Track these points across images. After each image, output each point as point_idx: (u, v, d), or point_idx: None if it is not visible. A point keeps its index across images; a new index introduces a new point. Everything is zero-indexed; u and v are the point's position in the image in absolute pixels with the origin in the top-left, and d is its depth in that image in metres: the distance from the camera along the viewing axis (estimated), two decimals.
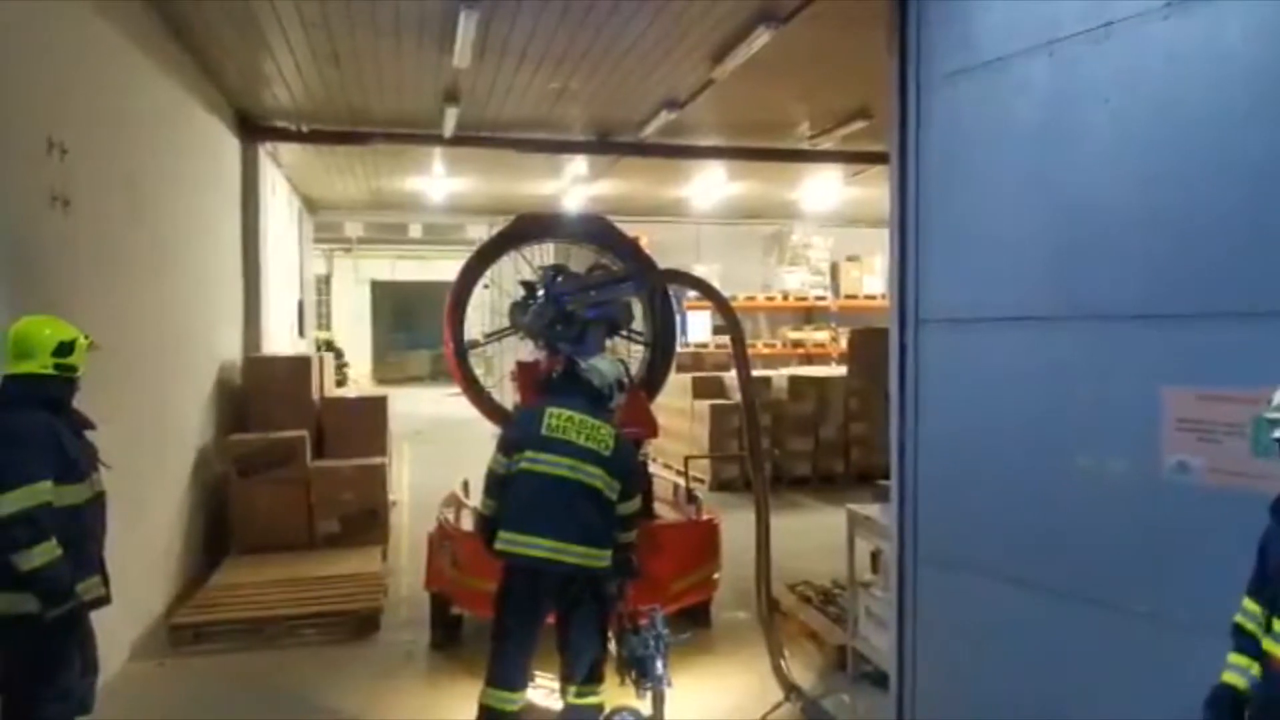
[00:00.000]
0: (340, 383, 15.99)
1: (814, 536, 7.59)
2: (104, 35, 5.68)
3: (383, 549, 7.95)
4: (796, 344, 17.16)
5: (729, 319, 6.03)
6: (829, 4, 6.21)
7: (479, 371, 7.58)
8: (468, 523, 5.89)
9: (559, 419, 4.28)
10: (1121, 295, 3.47)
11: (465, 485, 6.77)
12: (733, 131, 10.60)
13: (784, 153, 11.36)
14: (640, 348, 6.93)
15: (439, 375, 22.74)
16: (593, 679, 4.27)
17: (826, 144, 10.69)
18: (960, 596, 4.16)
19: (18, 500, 3.31)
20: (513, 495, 4.24)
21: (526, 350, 6.84)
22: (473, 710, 4.23)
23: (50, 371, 3.55)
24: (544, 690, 4.69)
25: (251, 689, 5.43)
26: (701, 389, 11.93)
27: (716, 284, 7.66)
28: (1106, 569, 3.51)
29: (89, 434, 3.73)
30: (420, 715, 5.09)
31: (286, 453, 7.92)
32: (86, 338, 3.70)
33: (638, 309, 6.73)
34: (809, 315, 17.75)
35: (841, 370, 12.85)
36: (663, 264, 7.04)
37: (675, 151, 11.24)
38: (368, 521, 8.05)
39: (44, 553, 3.33)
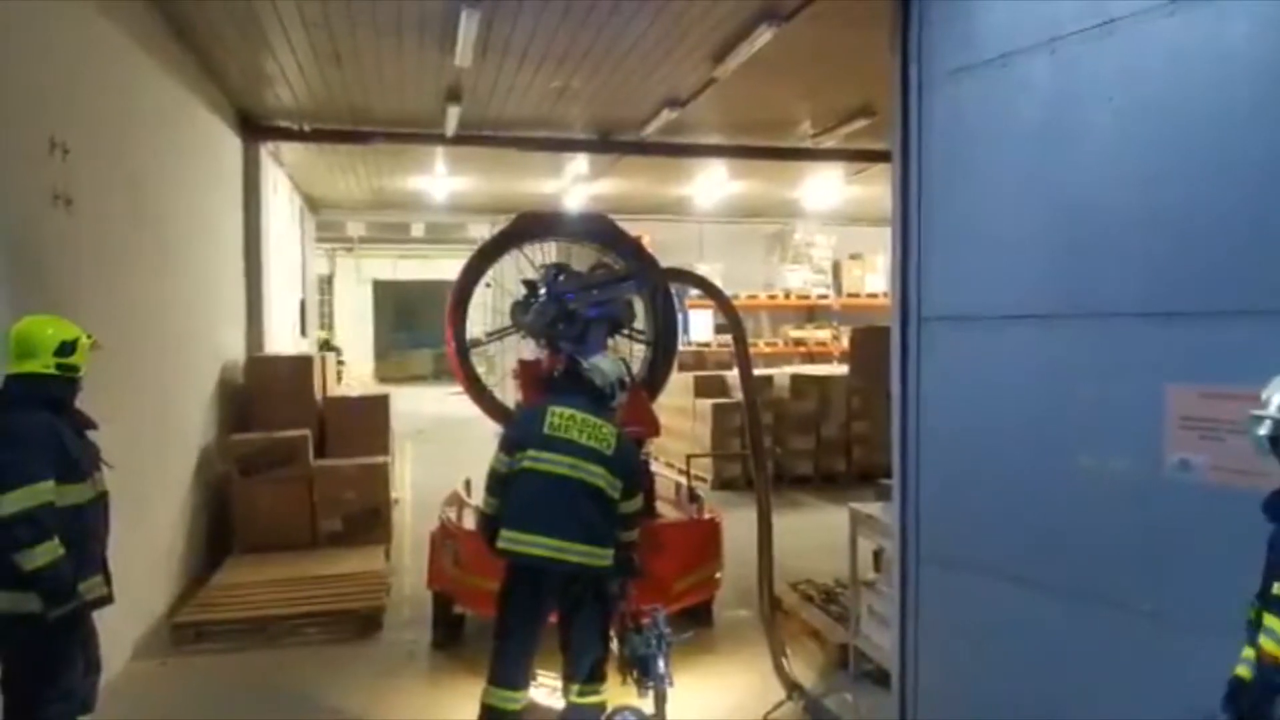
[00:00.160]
0: (337, 380, 15.93)
1: (816, 535, 7.58)
2: (106, 35, 5.69)
3: (385, 548, 7.95)
4: (798, 342, 17.16)
5: (731, 317, 6.03)
6: (831, 2, 6.20)
7: (481, 370, 7.57)
8: (470, 521, 5.87)
9: (561, 418, 4.28)
10: (1124, 293, 3.46)
11: (467, 484, 6.75)
12: (734, 130, 10.58)
13: (786, 151, 11.34)
14: (642, 346, 6.94)
15: (441, 374, 22.71)
16: (595, 678, 4.27)
17: (828, 142, 10.66)
18: (962, 595, 4.16)
19: (19, 500, 3.31)
20: (514, 494, 4.24)
21: (528, 349, 6.84)
22: (475, 709, 4.23)
23: (52, 371, 3.55)
24: (546, 689, 4.69)
25: (254, 688, 5.44)
26: (703, 388, 11.91)
27: (719, 283, 7.66)
28: (1109, 568, 3.51)
29: (91, 434, 3.73)
30: (422, 714, 5.10)
31: (289, 452, 7.92)
32: (89, 337, 3.70)
33: (640, 308, 6.74)
34: (811, 314, 17.75)
35: (843, 369, 12.83)
36: (665, 263, 7.04)
37: (677, 150, 11.21)
38: (370, 521, 8.04)
39: (46, 552, 3.34)
